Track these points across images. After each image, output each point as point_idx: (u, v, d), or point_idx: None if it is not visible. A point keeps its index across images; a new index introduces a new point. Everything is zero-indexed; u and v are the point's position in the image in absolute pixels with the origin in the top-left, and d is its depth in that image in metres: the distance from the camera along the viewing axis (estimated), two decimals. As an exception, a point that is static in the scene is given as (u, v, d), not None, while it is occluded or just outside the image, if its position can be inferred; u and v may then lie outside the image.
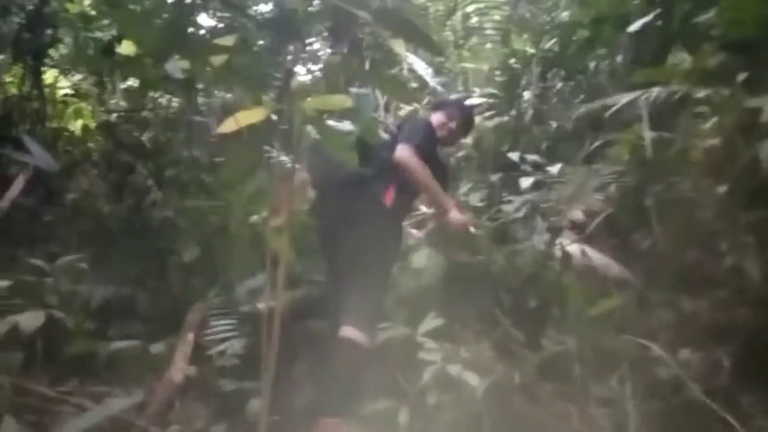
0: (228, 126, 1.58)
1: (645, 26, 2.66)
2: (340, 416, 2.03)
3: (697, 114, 2.61)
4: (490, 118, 4.50)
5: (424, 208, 3.70)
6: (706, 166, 2.61)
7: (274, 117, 1.70)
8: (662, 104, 2.59)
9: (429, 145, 2.56)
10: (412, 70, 5.58)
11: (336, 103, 1.54)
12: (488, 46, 5.76)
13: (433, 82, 5.46)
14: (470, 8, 5.40)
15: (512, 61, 4.54)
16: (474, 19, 5.64)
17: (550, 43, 3.80)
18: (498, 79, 4.76)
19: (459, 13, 5.63)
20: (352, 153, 1.67)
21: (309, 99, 1.51)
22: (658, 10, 2.39)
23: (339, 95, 1.52)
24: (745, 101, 1.84)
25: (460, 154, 4.82)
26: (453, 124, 2.75)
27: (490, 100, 4.75)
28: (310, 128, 1.72)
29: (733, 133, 2.29)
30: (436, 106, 2.86)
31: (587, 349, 1.97)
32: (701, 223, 2.63)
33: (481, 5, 5.48)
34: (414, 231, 3.23)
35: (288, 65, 1.33)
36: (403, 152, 2.37)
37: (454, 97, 4.64)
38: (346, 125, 1.78)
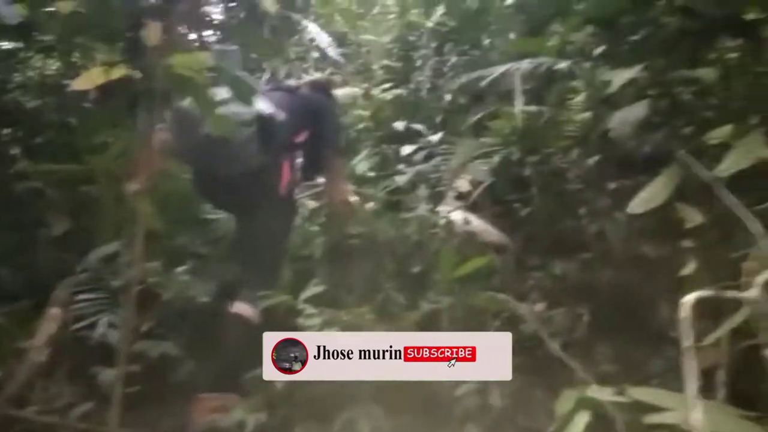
0: (82, 83, 1.47)
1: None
2: (222, 392, 2.01)
3: (572, 89, 2.80)
4: (388, 90, 4.55)
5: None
6: (577, 137, 2.81)
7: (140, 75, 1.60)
8: (540, 78, 2.75)
9: None
10: (312, 40, 5.49)
11: (198, 61, 1.48)
12: (390, 16, 5.78)
13: (334, 53, 5.40)
14: (371, -21, 5.36)
15: (409, 34, 4.58)
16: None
17: (440, 15, 3.87)
18: (396, 51, 4.80)
19: (360, -16, 5.57)
20: (228, 124, 1.61)
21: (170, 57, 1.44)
22: (534, -17, 2.51)
23: (200, 53, 1.45)
24: (602, 74, 1.98)
25: (360, 126, 4.85)
26: None
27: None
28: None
29: (599, 105, 2.48)
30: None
31: (460, 308, 2.07)
32: (573, 192, 2.85)
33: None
34: (310, 202, 3.22)
35: (134, 16, 1.24)
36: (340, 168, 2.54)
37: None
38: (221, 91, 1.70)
